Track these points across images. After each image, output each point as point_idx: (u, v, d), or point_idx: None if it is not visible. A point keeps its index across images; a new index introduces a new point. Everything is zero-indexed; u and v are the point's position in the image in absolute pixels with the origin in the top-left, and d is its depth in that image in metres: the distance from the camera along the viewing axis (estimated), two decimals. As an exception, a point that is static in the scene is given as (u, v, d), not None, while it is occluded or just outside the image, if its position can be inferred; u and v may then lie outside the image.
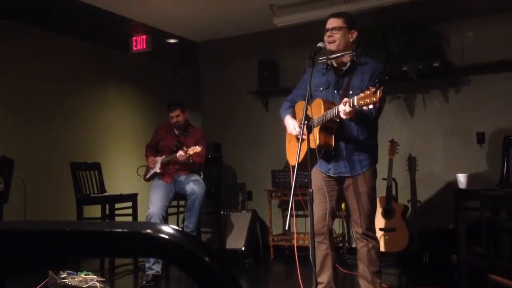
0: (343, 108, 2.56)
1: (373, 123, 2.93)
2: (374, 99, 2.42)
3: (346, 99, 2.58)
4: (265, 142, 5.60)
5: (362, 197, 2.88)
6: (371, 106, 2.46)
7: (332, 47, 2.85)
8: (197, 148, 4.24)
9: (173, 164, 4.51)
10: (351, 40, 2.89)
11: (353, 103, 2.52)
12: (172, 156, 4.43)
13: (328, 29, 2.87)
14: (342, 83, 2.88)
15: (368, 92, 2.45)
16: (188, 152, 4.26)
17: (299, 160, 2.50)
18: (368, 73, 2.83)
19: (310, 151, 2.61)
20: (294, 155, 3.02)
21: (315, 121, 2.77)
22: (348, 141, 2.87)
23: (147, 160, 4.68)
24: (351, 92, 2.80)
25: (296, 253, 2.93)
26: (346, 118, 2.62)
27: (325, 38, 2.87)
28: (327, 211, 2.92)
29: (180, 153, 4.31)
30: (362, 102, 2.46)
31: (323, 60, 2.90)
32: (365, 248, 2.90)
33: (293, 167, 2.99)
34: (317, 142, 2.72)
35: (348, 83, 2.85)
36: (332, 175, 2.93)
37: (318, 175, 2.94)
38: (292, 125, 2.99)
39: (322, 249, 2.93)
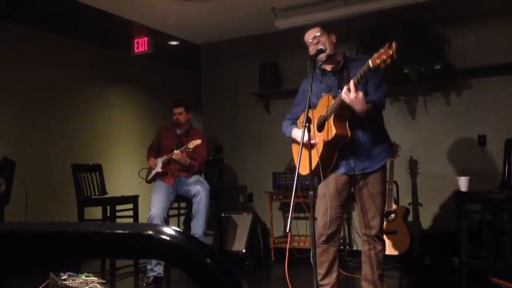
0: (348, 95, 2.54)
1: (381, 110, 2.88)
2: (391, 51, 2.38)
3: (351, 81, 2.56)
4: (266, 144, 5.60)
5: (378, 197, 2.83)
6: (389, 60, 2.40)
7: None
8: (197, 141, 4.23)
9: (174, 164, 4.51)
10: (334, 42, 2.91)
11: (368, 66, 2.48)
12: (171, 154, 4.43)
13: (310, 39, 2.89)
14: (341, 82, 2.86)
15: (382, 50, 2.41)
16: (189, 146, 4.25)
17: (313, 168, 2.47)
18: (362, 65, 2.82)
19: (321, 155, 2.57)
20: (305, 162, 2.95)
21: (328, 112, 2.72)
22: (364, 131, 2.79)
23: (148, 161, 4.69)
24: None
25: (287, 256, 2.88)
26: (354, 97, 2.55)
27: (311, 48, 2.86)
28: (338, 214, 2.88)
29: (176, 151, 4.32)
30: (378, 61, 2.42)
31: (318, 66, 2.89)
32: (375, 251, 2.84)
33: (306, 174, 2.91)
34: (333, 132, 2.66)
35: (348, 78, 2.83)
36: (356, 173, 2.84)
37: (333, 178, 2.87)
38: (301, 134, 2.88)
39: (331, 252, 2.87)
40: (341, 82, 2.85)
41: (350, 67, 2.85)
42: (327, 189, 2.79)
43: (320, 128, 2.80)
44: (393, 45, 2.37)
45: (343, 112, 2.68)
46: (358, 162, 2.82)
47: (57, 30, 5.44)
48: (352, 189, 2.93)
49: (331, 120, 2.71)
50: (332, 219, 2.84)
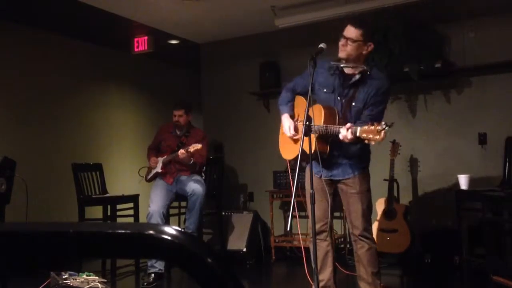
0: (344, 134, 2.57)
1: None
2: (378, 137, 2.43)
3: (349, 125, 2.58)
4: (266, 143, 5.59)
5: (356, 199, 2.89)
6: (372, 143, 2.46)
7: (342, 55, 2.80)
8: (198, 146, 4.26)
9: (174, 164, 4.52)
10: (364, 52, 2.82)
11: (355, 132, 2.52)
12: (174, 155, 4.44)
13: (344, 37, 2.79)
14: (347, 93, 2.84)
15: (373, 128, 2.44)
16: (189, 149, 4.27)
17: (294, 156, 2.51)
18: (375, 88, 2.78)
19: (304, 152, 2.60)
20: (287, 148, 3.03)
21: (314, 129, 2.75)
22: (342, 149, 2.86)
23: (148, 161, 4.69)
24: (353, 103, 2.80)
25: (304, 254, 2.94)
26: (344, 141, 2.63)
27: (339, 43, 2.81)
28: (326, 209, 2.93)
29: (181, 151, 4.33)
30: (365, 135, 2.47)
31: (334, 64, 2.87)
32: (363, 250, 2.90)
33: (288, 161, 3.01)
34: (314, 148, 2.71)
35: (353, 94, 2.81)
36: (324, 178, 2.93)
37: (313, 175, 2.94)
38: (287, 126, 2.97)
39: (323, 247, 2.95)
40: (346, 92, 2.84)
41: (362, 85, 2.80)
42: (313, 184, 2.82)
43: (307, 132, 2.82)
44: (382, 133, 2.42)
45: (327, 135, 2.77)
46: (326, 170, 2.92)
47: (57, 29, 5.43)
48: (335, 188, 3.00)
49: (314, 137, 2.74)
50: (319, 215, 2.88)
